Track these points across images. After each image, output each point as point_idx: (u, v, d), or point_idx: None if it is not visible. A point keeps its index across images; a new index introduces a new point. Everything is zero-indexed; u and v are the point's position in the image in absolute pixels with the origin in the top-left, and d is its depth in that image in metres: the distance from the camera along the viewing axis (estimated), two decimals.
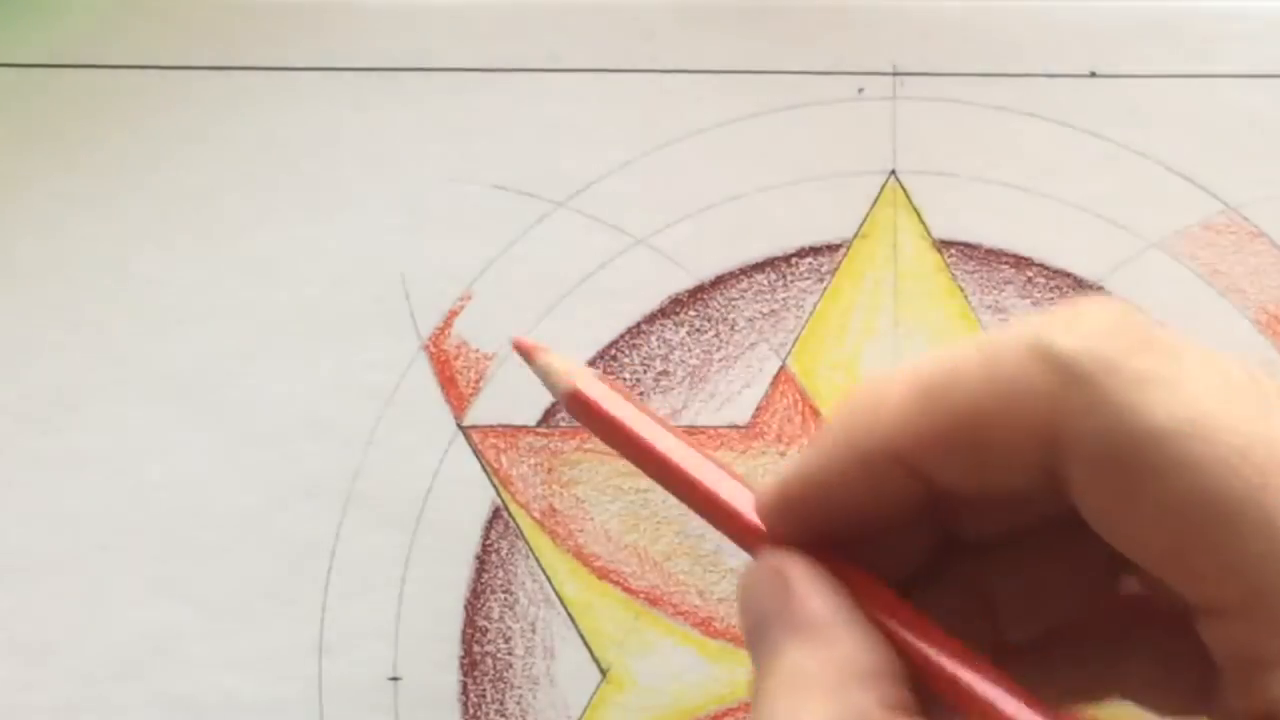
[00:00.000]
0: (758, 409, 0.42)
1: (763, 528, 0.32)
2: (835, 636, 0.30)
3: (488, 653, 0.41)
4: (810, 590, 0.31)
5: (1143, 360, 0.28)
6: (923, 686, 0.30)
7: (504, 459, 0.41)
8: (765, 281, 0.42)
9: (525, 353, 0.40)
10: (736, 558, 0.41)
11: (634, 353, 0.42)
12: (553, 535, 0.41)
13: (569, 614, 0.41)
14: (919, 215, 0.42)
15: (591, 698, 0.41)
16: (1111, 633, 0.32)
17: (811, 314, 0.42)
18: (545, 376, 0.39)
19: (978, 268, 0.42)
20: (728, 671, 0.41)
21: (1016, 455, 0.29)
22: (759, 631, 0.31)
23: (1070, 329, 0.28)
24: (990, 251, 0.42)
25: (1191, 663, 0.30)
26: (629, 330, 0.42)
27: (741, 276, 0.42)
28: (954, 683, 0.30)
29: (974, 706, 0.30)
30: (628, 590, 0.41)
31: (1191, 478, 0.27)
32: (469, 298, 0.42)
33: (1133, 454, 0.27)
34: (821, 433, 0.31)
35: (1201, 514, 0.27)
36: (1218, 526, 0.27)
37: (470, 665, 0.41)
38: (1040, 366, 0.28)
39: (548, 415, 0.41)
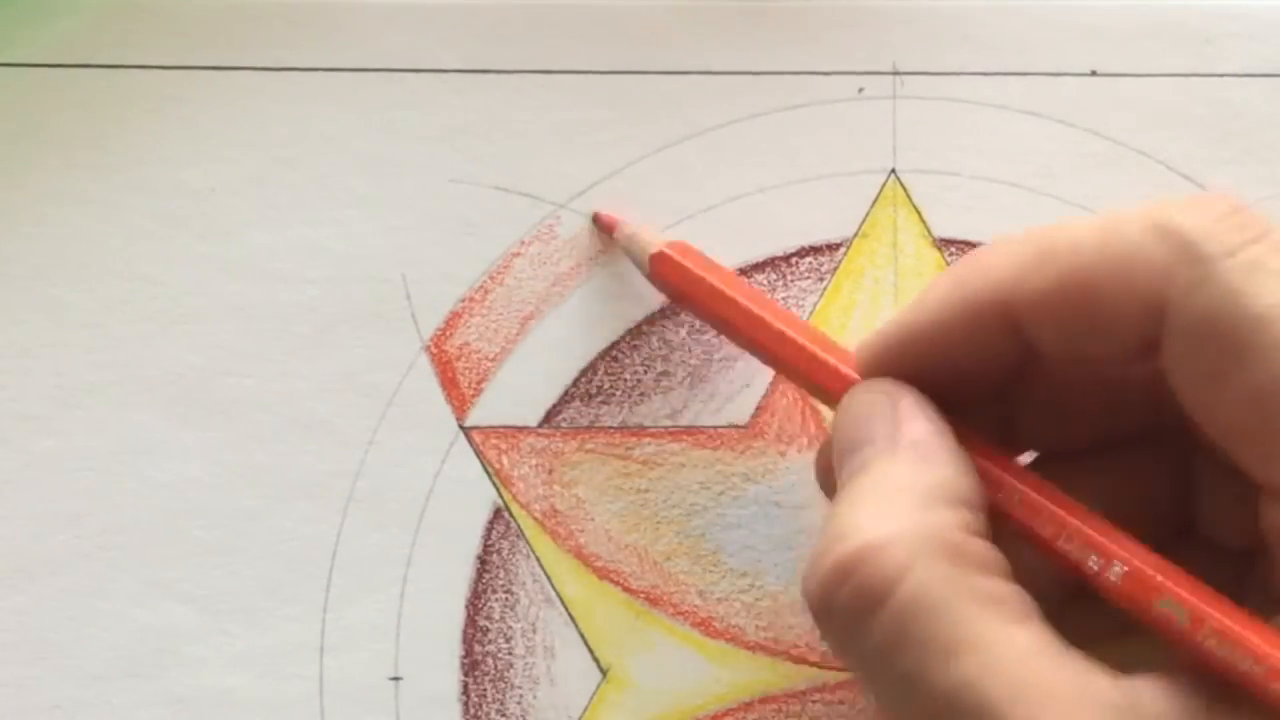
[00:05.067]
0: (758, 409, 0.42)
1: (855, 377, 0.34)
2: (933, 458, 0.31)
3: (488, 653, 0.41)
4: (915, 413, 0.32)
5: (1257, 248, 0.29)
6: (1005, 514, 0.32)
7: (505, 460, 0.41)
8: (765, 281, 0.42)
9: (605, 225, 0.41)
10: (736, 558, 0.41)
11: (635, 353, 0.42)
12: (553, 535, 0.41)
13: (569, 614, 0.41)
14: (919, 214, 0.42)
15: (591, 698, 0.41)
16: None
17: (812, 313, 0.42)
18: (629, 243, 0.40)
19: None
20: (728, 671, 0.41)
21: (1121, 321, 0.30)
22: (854, 447, 0.32)
23: (1192, 211, 0.30)
24: None
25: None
26: (630, 330, 0.42)
27: (741, 276, 0.42)
28: (1037, 510, 0.31)
29: (1057, 535, 0.31)
30: (628, 590, 0.41)
31: None
32: (472, 300, 0.42)
33: (1233, 332, 0.29)
34: (933, 283, 0.33)
35: None
36: None
37: (471, 665, 0.41)
38: (1158, 240, 0.30)
39: (549, 416, 0.41)
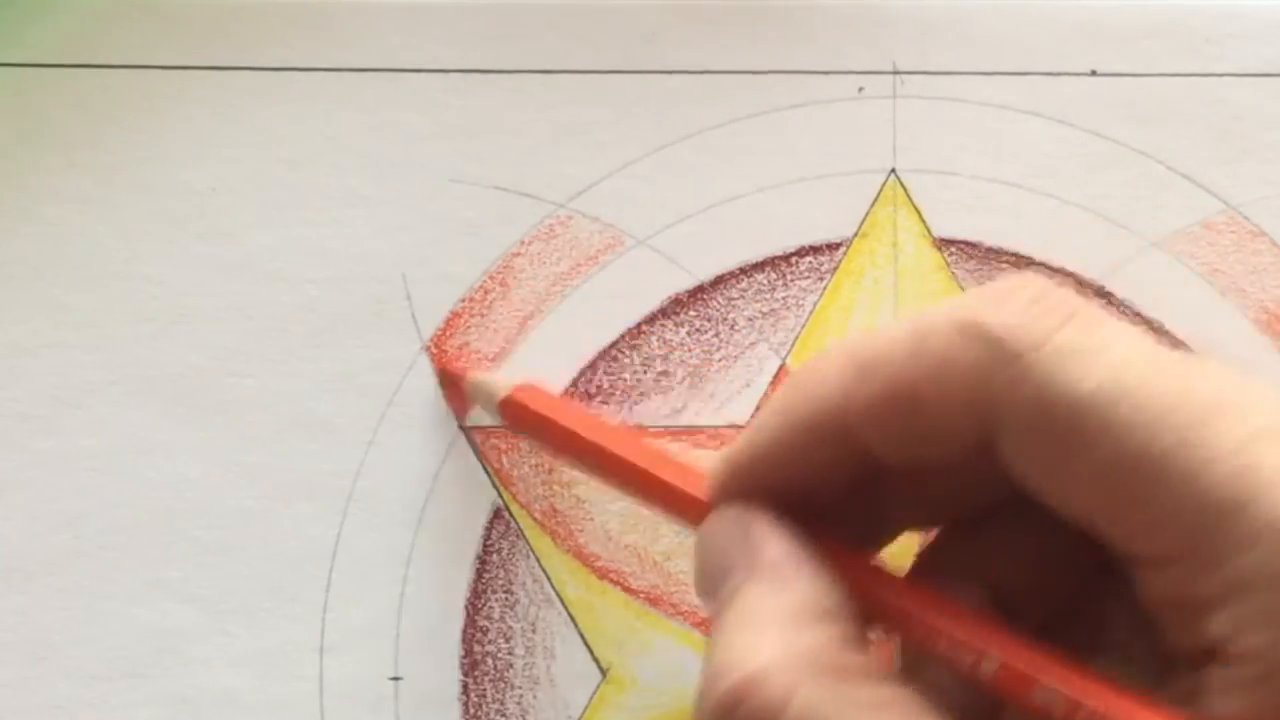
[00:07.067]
0: (757, 409, 0.42)
1: (707, 501, 0.33)
2: (791, 577, 0.31)
3: (488, 653, 0.41)
4: (767, 534, 0.32)
5: (1067, 333, 0.29)
6: (878, 624, 0.32)
7: (505, 460, 0.41)
8: (765, 281, 0.42)
9: (451, 377, 0.41)
10: None
11: (634, 353, 0.42)
12: (553, 536, 0.41)
13: (569, 614, 0.41)
14: (919, 214, 0.42)
15: (591, 698, 0.41)
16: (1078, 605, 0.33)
17: (811, 313, 0.42)
18: (477, 390, 0.40)
19: (978, 266, 0.42)
20: None
21: (948, 426, 0.30)
22: (717, 579, 0.32)
23: (996, 306, 0.30)
24: (990, 250, 0.42)
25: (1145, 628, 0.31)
26: (629, 330, 0.42)
27: (741, 276, 0.42)
28: (906, 616, 0.31)
29: (929, 639, 0.31)
30: (628, 590, 0.41)
31: (1118, 439, 0.28)
32: (472, 300, 0.42)
33: (1062, 422, 0.29)
34: (764, 408, 0.33)
35: (1129, 473, 0.28)
36: (1145, 483, 0.28)
37: (471, 665, 0.41)
38: (968, 343, 0.29)
39: None
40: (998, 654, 0.30)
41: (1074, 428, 0.29)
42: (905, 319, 0.31)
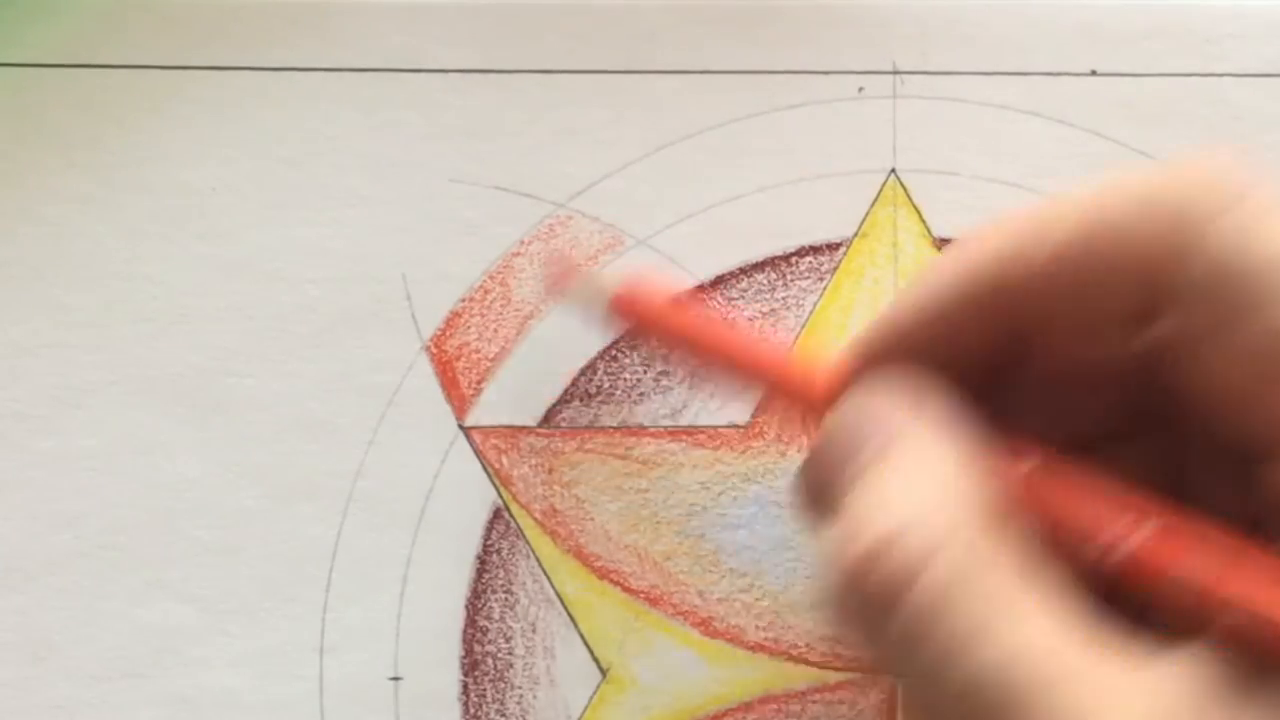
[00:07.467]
0: (757, 409, 0.42)
1: (831, 383, 0.33)
2: (943, 440, 0.30)
3: (488, 653, 0.41)
4: (931, 397, 0.31)
5: (1247, 203, 0.29)
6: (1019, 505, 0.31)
7: (505, 460, 0.41)
8: (765, 281, 0.42)
9: (560, 279, 0.40)
10: (736, 558, 0.41)
11: (635, 353, 0.42)
12: (553, 535, 0.41)
13: (569, 614, 0.41)
14: (919, 214, 0.42)
15: (591, 698, 0.41)
16: None
17: (811, 313, 0.42)
18: (588, 291, 0.39)
19: None
20: (728, 671, 0.41)
21: (1117, 291, 0.30)
22: (853, 449, 0.31)
23: (1178, 176, 0.30)
24: None
25: None
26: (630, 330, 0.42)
27: (741, 276, 0.42)
28: (1058, 489, 0.31)
29: (1077, 513, 0.30)
30: (628, 590, 0.41)
31: None
32: (472, 300, 0.42)
33: (1233, 285, 0.28)
34: (931, 264, 0.33)
35: None
36: None
37: (471, 665, 0.41)
38: (1148, 211, 0.29)
39: (549, 416, 0.41)
40: (1155, 521, 0.29)
41: (1244, 293, 0.28)
42: (1086, 186, 0.31)
